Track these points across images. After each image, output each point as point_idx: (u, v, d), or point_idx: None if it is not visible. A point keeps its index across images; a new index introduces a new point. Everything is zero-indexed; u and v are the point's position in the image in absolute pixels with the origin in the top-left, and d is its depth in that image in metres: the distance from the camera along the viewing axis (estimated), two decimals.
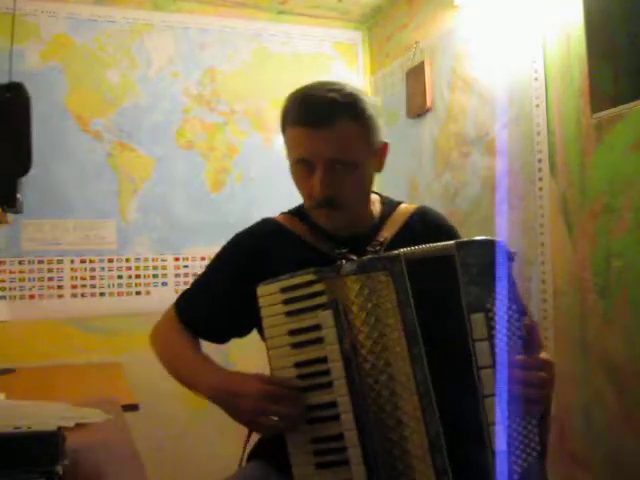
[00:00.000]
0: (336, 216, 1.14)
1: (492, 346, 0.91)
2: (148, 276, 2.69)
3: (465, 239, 0.98)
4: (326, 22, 3.03)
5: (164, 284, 2.71)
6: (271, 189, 2.83)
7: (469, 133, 2.26)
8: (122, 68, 2.69)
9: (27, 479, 0.82)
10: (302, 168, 1.14)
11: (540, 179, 1.89)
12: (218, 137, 2.82)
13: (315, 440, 0.99)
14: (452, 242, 0.96)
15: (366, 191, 1.20)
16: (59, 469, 0.85)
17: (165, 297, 2.70)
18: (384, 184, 2.95)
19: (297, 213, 1.27)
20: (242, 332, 1.25)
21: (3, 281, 2.49)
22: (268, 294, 1.04)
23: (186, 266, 2.74)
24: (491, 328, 0.91)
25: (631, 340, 1.58)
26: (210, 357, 1.18)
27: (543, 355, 0.96)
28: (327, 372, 0.99)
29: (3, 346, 2.39)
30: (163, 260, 2.71)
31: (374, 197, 1.27)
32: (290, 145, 1.17)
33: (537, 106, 1.90)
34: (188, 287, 1.31)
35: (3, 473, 0.82)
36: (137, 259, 2.68)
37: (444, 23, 2.41)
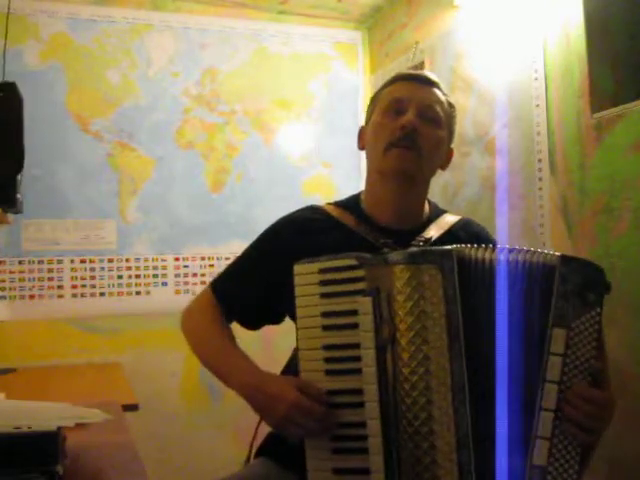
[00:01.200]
0: (410, 157, 1.16)
1: (564, 364, 0.92)
2: (148, 276, 2.69)
3: (571, 255, 0.99)
4: (326, 22, 3.03)
5: (164, 284, 2.71)
6: (271, 189, 2.82)
7: (469, 133, 2.26)
8: (122, 68, 2.69)
9: (27, 479, 0.82)
10: (392, 114, 1.19)
11: (540, 179, 1.89)
12: (218, 137, 2.82)
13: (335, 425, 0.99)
14: (558, 254, 0.97)
15: (436, 161, 1.23)
16: (59, 469, 0.85)
17: (165, 297, 2.70)
18: None
19: (343, 204, 1.27)
20: (277, 318, 1.25)
21: (3, 281, 2.49)
22: (305, 273, 1.03)
23: (186, 266, 2.74)
24: (568, 347, 0.93)
25: (631, 341, 1.58)
26: (245, 352, 1.17)
27: (609, 393, 0.98)
28: (357, 358, 0.98)
29: (3, 346, 2.39)
30: (163, 260, 2.71)
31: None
32: (385, 96, 1.23)
33: (537, 106, 1.90)
34: (224, 270, 1.30)
35: (3, 473, 0.82)
36: (137, 259, 2.68)
37: (444, 23, 2.41)
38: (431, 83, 1.23)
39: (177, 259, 2.73)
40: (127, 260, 2.66)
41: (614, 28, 1.63)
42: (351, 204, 1.26)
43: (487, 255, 0.99)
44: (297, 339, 1.03)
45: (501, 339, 0.95)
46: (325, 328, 1.00)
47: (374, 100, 1.27)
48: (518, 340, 0.94)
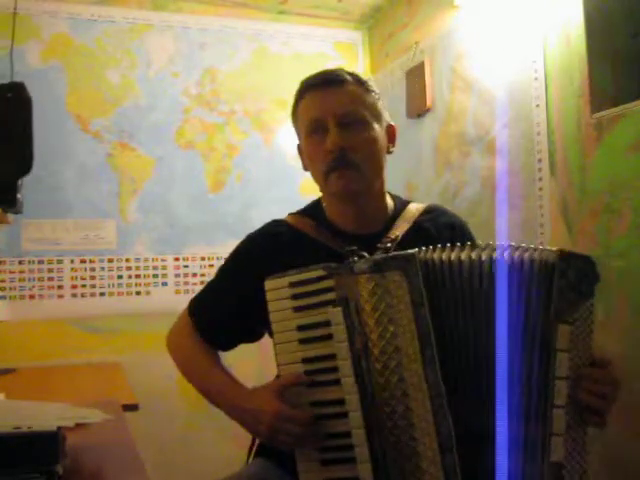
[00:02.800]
0: (352, 178, 1.14)
1: (571, 358, 0.93)
2: (148, 276, 2.69)
3: (567, 250, 0.97)
4: (326, 22, 3.03)
5: (164, 284, 2.71)
6: (271, 189, 2.82)
7: (469, 133, 2.26)
8: (122, 68, 2.69)
9: (27, 479, 0.82)
10: (315, 136, 1.16)
11: (540, 179, 1.89)
12: (218, 137, 2.82)
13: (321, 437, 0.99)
14: (555, 251, 0.96)
15: (379, 159, 1.19)
16: (59, 469, 0.85)
17: (165, 297, 2.70)
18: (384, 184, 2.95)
19: (306, 213, 1.27)
20: (254, 336, 1.25)
21: (3, 281, 2.49)
22: (276, 288, 1.03)
23: (186, 266, 2.74)
24: (571, 341, 0.93)
25: (630, 340, 1.58)
26: (228, 370, 1.19)
27: (610, 370, 0.98)
28: (335, 369, 0.98)
29: (3, 346, 2.39)
30: (163, 260, 2.71)
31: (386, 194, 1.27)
32: (302, 115, 1.19)
33: (537, 106, 1.90)
34: (201, 289, 1.31)
35: (3, 473, 0.82)
36: (137, 259, 2.68)
37: (444, 23, 2.41)
38: (341, 81, 1.16)
39: (177, 259, 2.73)
40: (127, 260, 2.66)
41: (614, 28, 1.63)
42: (313, 212, 1.25)
43: (446, 255, 0.97)
44: (275, 354, 1.03)
45: (486, 338, 0.94)
46: (302, 341, 1.01)
47: (294, 117, 1.23)
48: (511, 338, 0.94)
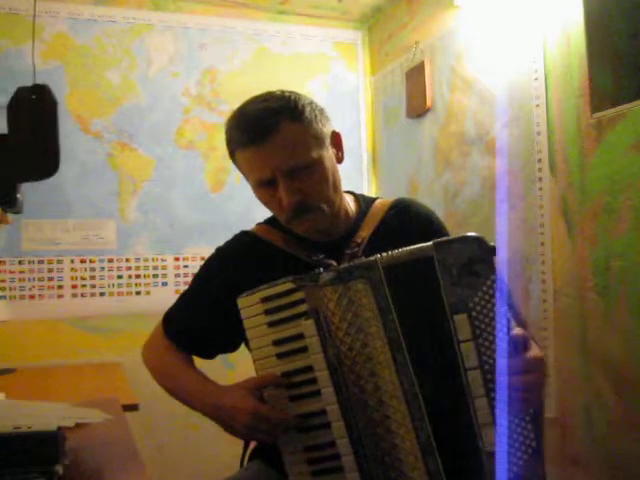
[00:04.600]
0: (315, 219, 1.12)
1: (478, 346, 0.89)
2: (148, 276, 2.69)
3: (443, 238, 0.94)
4: (326, 22, 3.03)
5: (164, 284, 2.71)
6: None
7: (469, 133, 2.26)
8: (122, 68, 2.69)
9: (27, 479, 0.82)
10: (265, 188, 1.12)
11: (540, 179, 1.89)
12: (218, 137, 2.82)
13: (308, 448, 1.00)
14: (430, 243, 0.93)
15: (335, 185, 1.15)
16: (59, 469, 0.85)
17: (165, 297, 2.69)
18: (384, 184, 2.95)
19: (273, 222, 1.25)
20: (230, 347, 1.25)
21: (3, 281, 2.49)
22: (249, 305, 1.03)
23: (186, 266, 2.74)
24: (476, 328, 0.89)
25: (631, 340, 1.58)
26: (202, 372, 1.19)
27: (532, 353, 0.92)
28: (314, 381, 0.98)
29: (3, 346, 2.39)
30: (163, 260, 2.71)
31: (348, 197, 1.25)
32: (244, 169, 1.15)
33: (537, 106, 1.90)
34: (174, 303, 1.30)
35: (3, 473, 0.82)
36: (137, 259, 2.68)
37: (444, 23, 2.41)
38: (275, 128, 1.06)
39: (177, 259, 2.74)
40: (127, 260, 2.66)
41: (614, 28, 1.63)
42: (279, 221, 1.22)
43: (405, 255, 0.95)
44: (256, 370, 1.04)
45: (443, 337, 0.92)
46: (279, 356, 1.01)
47: (232, 158, 1.17)
48: (448, 335, 0.91)
